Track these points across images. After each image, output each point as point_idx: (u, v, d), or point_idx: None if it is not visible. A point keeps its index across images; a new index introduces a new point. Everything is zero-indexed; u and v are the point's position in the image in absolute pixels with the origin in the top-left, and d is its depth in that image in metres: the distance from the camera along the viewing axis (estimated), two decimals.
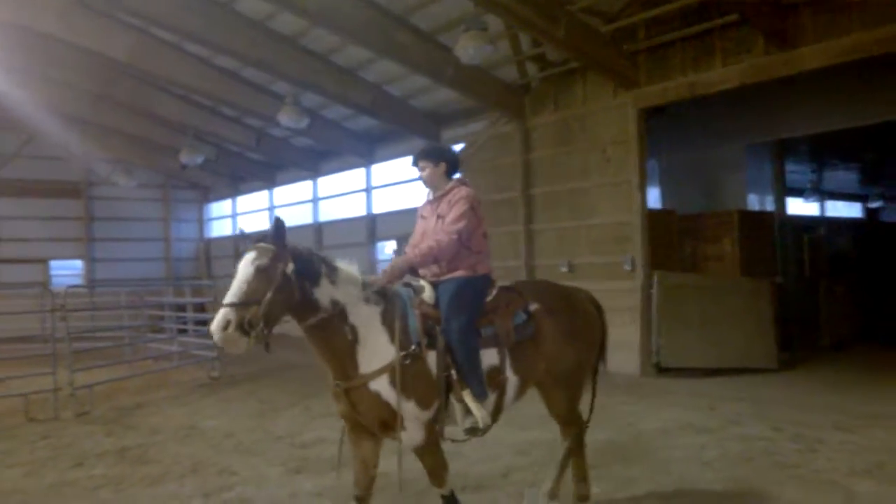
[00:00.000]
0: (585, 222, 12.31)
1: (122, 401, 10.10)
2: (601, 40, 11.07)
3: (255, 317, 3.70)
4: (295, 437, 7.65)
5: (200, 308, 16.16)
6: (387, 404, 4.05)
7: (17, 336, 13.24)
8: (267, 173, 22.29)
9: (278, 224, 3.99)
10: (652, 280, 11.17)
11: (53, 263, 22.81)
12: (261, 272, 3.80)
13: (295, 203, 21.61)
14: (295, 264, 3.94)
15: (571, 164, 12.55)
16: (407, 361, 4.07)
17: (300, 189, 21.46)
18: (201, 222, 26.00)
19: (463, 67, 11.33)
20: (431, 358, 4.19)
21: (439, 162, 4.68)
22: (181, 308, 15.99)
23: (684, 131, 13.40)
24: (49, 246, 22.49)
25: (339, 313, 4.06)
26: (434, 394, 4.18)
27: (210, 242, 25.66)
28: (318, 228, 20.48)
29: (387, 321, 4.16)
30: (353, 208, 19.37)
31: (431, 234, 4.53)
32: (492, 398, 4.33)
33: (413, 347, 4.12)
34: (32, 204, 22.30)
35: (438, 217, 4.55)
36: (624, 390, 9.64)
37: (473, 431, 4.24)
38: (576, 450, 4.95)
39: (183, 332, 14.78)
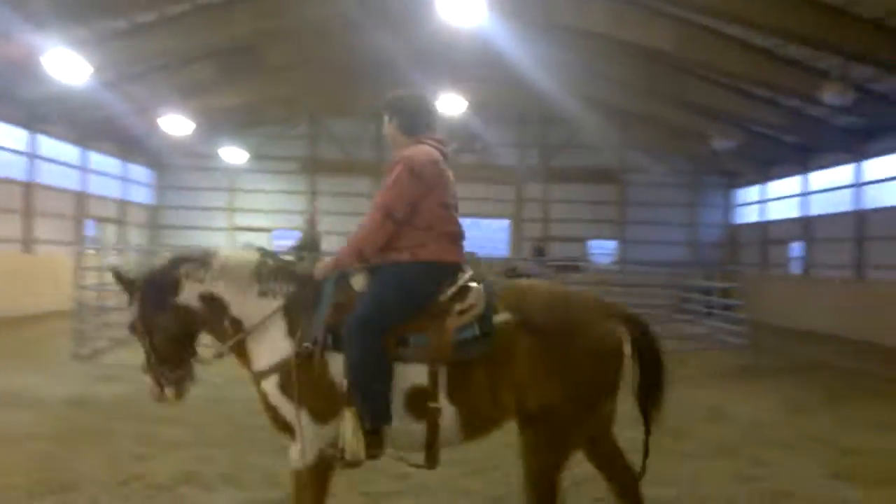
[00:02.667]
0: None
1: None
2: None
3: (155, 369, 3.67)
4: (830, 440, 7.10)
5: (726, 293, 16.09)
6: (275, 408, 3.48)
7: None
8: (800, 157, 20.87)
9: (115, 275, 3.76)
10: None
11: (592, 243, 25.46)
12: (134, 332, 3.76)
13: (832, 189, 19.79)
14: (143, 298, 3.67)
15: None
16: (305, 358, 3.38)
17: (839, 173, 19.53)
18: (728, 208, 25.77)
19: None
20: (339, 361, 3.39)
21: (392, 116, 3.77)
22: (707, 292, 16.14)
23: None
24: (588, 227, 25.13)
25: (214, 308, 3.64)
26: (337, 408, 3.39)
27: (737, 228, 25.29)
28: (859, 216, 18.41)
29: (290, 312, 3.54)
30: None
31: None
32: (416, 430, 3.36)
33: (306, 345, 3.39)
34: (575, 189, 25.19)
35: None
36: None
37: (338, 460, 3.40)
38: None
39: (709, 315, 14.97)
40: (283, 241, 25.66)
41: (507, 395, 3.32)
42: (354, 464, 3.37)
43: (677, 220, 25.51)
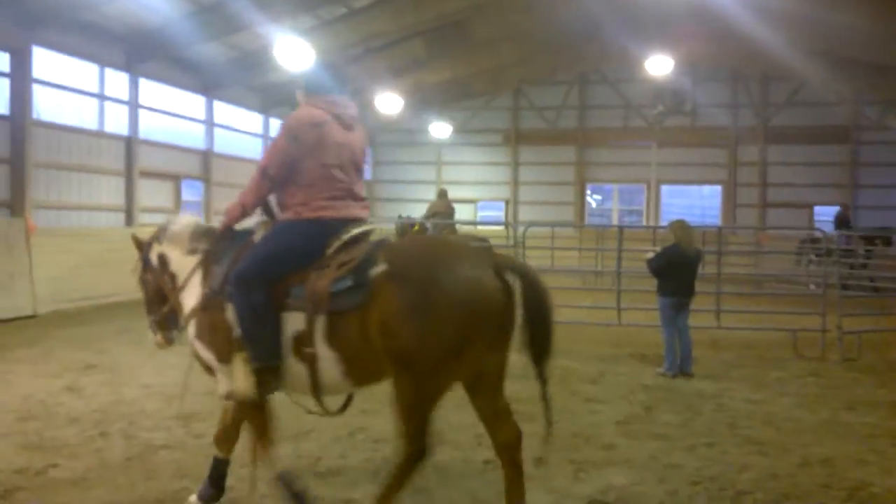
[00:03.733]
0: None
1: (893, 353, 9.74)
2: None
3: (148, 319, 4.41)
4: None
5: None
6: (196, 350, 3.93)
7: (784, 277, 14.18)
8: None
9: (133, 239, 4.43)
10: None
11: (817, 209, 23.28)
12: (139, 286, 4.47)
13: None
14: (140, 258, 4.36)
15: None
16: (210, 305, 3.80)
17: None
18: None
19: None
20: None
21: (297, 90, 4.08)
22: None
23: None
24: (813, 191, 23.01)
25: (162, 265, 4.17)
26: (234, 351, 3.70)
27: None
28: None
29: (205, 265, 3.96)
30: None
31: None
32: (303, 373, 3.59)
33: (206, 292, 3.82)
34: (798, 150, 23.14)
35: None
36: None
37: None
38: (395, 481, 3.46)
39: None
40: (488, 211, 26.32)
41: (378, 340, 3.38)
42: (251, 402, 3.73)
43: None
